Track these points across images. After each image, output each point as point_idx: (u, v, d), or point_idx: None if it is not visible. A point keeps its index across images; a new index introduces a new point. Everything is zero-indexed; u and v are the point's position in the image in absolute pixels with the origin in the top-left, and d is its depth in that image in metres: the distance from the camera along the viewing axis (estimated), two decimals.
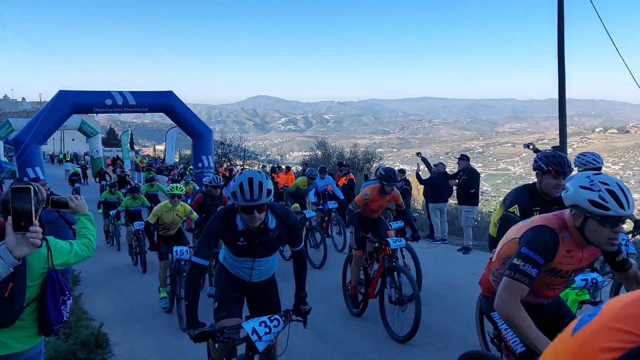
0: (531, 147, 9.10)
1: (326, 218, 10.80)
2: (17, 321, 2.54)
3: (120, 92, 22.07)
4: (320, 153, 31.24)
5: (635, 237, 5.11)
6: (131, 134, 62.21)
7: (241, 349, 3.19)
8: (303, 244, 3.58)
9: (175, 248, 6.37)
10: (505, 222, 3.61)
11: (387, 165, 6.50)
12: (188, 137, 26.24)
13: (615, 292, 4.93)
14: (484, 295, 3.13)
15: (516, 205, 3.68)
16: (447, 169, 11.30)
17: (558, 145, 9.69)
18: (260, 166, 30.57)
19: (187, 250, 6.29)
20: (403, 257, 6.80)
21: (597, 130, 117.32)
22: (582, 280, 3.75)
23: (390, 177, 6.01)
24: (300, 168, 23.22)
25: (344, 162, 18.75)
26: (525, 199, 3.71)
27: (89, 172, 33.44)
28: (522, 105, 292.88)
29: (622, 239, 4.11)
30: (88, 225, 2.90)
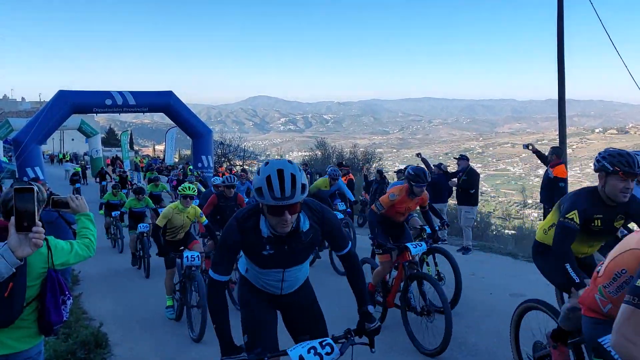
0: (530, 147, 9.12)
1: None
2: (17, 321, 2.54)
3: (120, 92, 22.07)
4: (319, 153, 31.23)
5: None
6: (131, 134, 62.19)
7: None
8: (351, 244, 2.87)
9: (185, 254, 5.93)
10: (563, 230, 3.33)
11: (415, 166, 6.00)
12: (188, 137, 26.25)
13: None
14: (586, 316, 2.64)
15: (575, 211, 3.33)
16: (447, 169, 11.30)
17: (557, 145, 9.70)
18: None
19: (197, 255, 5.92)
20: (436, 264, 6.31)
21: (597, 130, 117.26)
22: None
23: (420, 178, 5.57)
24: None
25: (344, 163, 18.74)
26: (586, 204, 3.36)
27: (88, 172, 33.40)
28: (522, 105, 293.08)
29: None
30: (89, 225, 2.90)
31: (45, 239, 2.53)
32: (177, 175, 20.83)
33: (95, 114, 34.00)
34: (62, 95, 21.34)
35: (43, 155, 25.31)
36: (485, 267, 8.62)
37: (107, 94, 21.88)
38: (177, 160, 42.43)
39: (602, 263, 2.53)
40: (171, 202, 15.30)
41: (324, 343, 2.44)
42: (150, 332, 5.99)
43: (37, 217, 1.84)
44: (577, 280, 3.20)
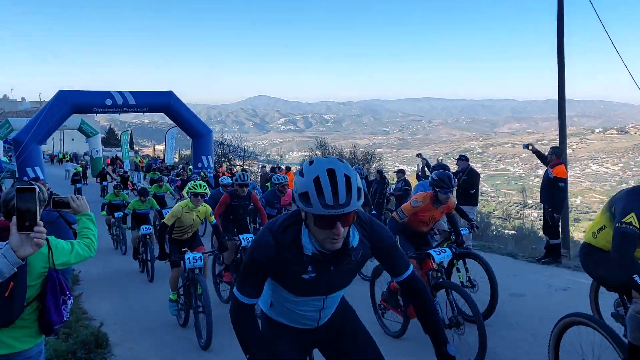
0: (530, 147, 9.12)
1: None
2: (18, 320, 2.54)
3: (120, 92, 22.09)
4: (319, 153, 31.26)
5: None
6: (131, 134, 62.19)
7: None
8: (412, 266, 2.33)
9: (187, 255, 5.72)
10: (623, 237, 3.01)
11: (440, 170, 5.56)
12: (188, 137, 26.26)
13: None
14: None
15: (633, 214, 3.01)
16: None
17: (557, 145, 9.70)
18: (260, 166, 30.55)
19: (200, 257, 5.72)
20: (467, 269, 5.84)
21: (597, 130, 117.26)
22: None
23: (445, 183, 5.06)
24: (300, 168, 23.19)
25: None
26: None
27: (88, 172, 33.40)
28: (522, 105, 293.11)
29: None
30: (89, 225, 2.91)
31: (46, 239, 2.53)
32: (180, 175, 20.72)
33: (95, 114, 34.03)
34: (62, 95, 21.35)
35: (43, 155, 25.32)
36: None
37: (107, 94, 21.89)
38: (177, 160, 42.44)
39: None
40: (178, 200, 15.10)
41: None
42: (150, 332, 5.99)
43: (38, 217, 1.85)
44: None
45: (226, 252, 6.84)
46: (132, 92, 22.35)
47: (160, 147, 68.39)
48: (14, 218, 1.82)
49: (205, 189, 6.19)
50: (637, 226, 2.99)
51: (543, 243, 9.60)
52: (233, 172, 21.36)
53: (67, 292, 2.72)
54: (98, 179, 24.04)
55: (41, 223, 1.85)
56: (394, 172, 15.54)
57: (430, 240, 5.76)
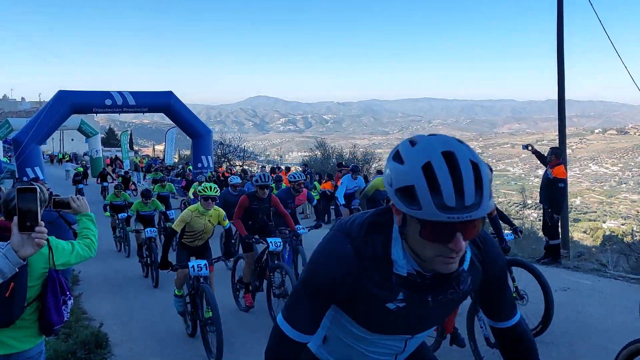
0: (530, 148, 9.12)
1: None
2: (18, 321, 2.55)
3: (120, 92, 22.11)
4: (319, 153, 31.23)
5: None
6: (130, 134, 62.19)
7: None
8: (520, 312, 1.69)
9: (191, 263, 5.25)
10: None
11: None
12: (187, 138, 26.30)
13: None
14: None
15: None
16: None
17: (557, 146, 9.71)
18: (260, 167, 30.57)
19: (205, 264, 5.22)
20: (513, 279, 5.03)
21: (597, 131, 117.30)
22: None
23: None
24: (300, 169, 23.22)
25: (343, 163, 18.76)
26: None
27: (88, 172, 33.41)
28: (521, 106, 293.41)
29: None
30: (90, 225, 2.91)
31: (47, 239, 2.54)
32: (185, 175, 20.61)
33: (95, 114, 34.05)
34: (62, 95, 21.37)
35: (43, 155, 25.34)
36: None
37: (107, 94, 21.91)
38: (176, 160, 42.43)
39: None
40: (183, 201, 14.84)
41: None
42: (150, 332, 5.99)
43: (39, 217, 1.85)
44: None
45: (245, 266, 6.34)
46: (132, 92, 22.37)
47: (160, 148, 68.38)
48: (15, 218, 1.82)
49: (216, 192, 5.76)
50: None
51: (543, 243, 9.60)
52: (233, 172, 21.38)
53: (68, 293, 2.73)
54: (98, 180, 24.01)
55: (42, 223, 1.86)
56: None
57: None
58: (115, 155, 42.07)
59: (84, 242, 2.83)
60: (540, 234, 14.35)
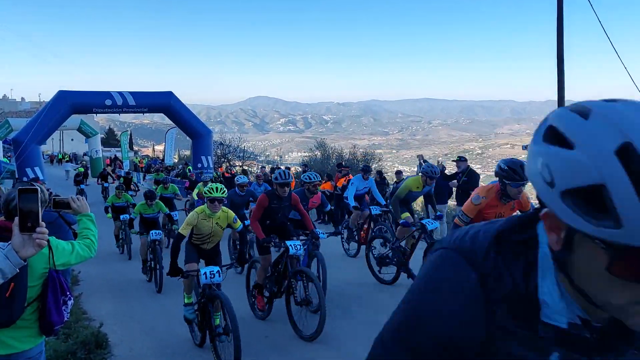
0: None
1: (365, 226, 9.61)
2: (18, 321, 2.55)
3: (120, 93, 22.12)
4: (319, 154, 31.22)
5: None
6: (130, 134, 62.17)
7: None
8: None
9: (203, 270, 4.96)
10: None
11: (509, 158, 4.61)
12: (187, 138, 26.30)
13: None
14: None
15: None
16: (445, 170, 11.32)
17: None
18: (259, 167, 30.57)
19: (218, 271, 4.97)
20: None
21: None
22: None
23: (517, 174, 4.21)
24: (300, 169, 23.20)
25: (343, 163, 18.74)
26: None
27: (89, 172, 33.38)
28: (521, 106, 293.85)
29: None
30: (90, 225, 2.92)
31: (47, 240, 2.54)
32: (188, 175, 20.48)
33: (95, 114, 34.05)
34: (62, 95, 21.37)
35: (43, 155, 25.35)
36: None
37: (107, 94, 21.92)
38: (176, 160, 42.44)
39: None
40: (187, 202, 14.63)
41: None
42: (150, 332, 5.99)
43: (40, 218, 1.85)
44: None
45: (259, 268, 6.08)
46: (131, 93, 22.39)
47: (159, 148, 68.39)
48: (17, 219, 1.82)
49: (223, 193, 5.40)
50: None
51: None
52: (232, 172, 21.36)
53: (68, 293, 2.73)
54: (99, 180, 23.98)
55: (43, 224, 1.86)
56: (394, 172, 15.54)
57: None
58: (115, 155, 42.04)
59: (84, 243, 2.83)
60: None
